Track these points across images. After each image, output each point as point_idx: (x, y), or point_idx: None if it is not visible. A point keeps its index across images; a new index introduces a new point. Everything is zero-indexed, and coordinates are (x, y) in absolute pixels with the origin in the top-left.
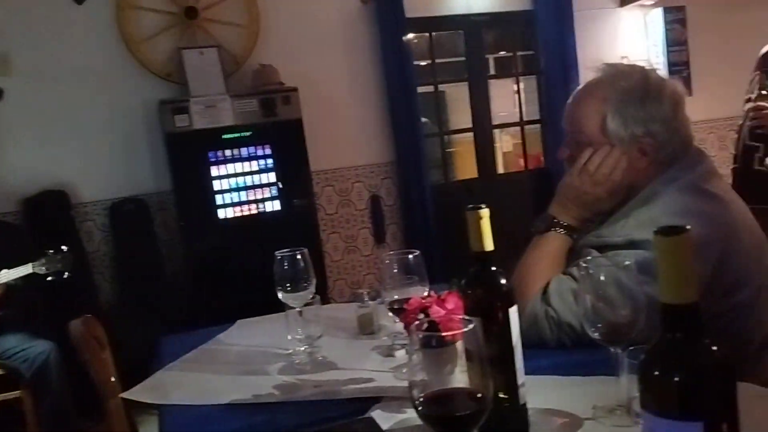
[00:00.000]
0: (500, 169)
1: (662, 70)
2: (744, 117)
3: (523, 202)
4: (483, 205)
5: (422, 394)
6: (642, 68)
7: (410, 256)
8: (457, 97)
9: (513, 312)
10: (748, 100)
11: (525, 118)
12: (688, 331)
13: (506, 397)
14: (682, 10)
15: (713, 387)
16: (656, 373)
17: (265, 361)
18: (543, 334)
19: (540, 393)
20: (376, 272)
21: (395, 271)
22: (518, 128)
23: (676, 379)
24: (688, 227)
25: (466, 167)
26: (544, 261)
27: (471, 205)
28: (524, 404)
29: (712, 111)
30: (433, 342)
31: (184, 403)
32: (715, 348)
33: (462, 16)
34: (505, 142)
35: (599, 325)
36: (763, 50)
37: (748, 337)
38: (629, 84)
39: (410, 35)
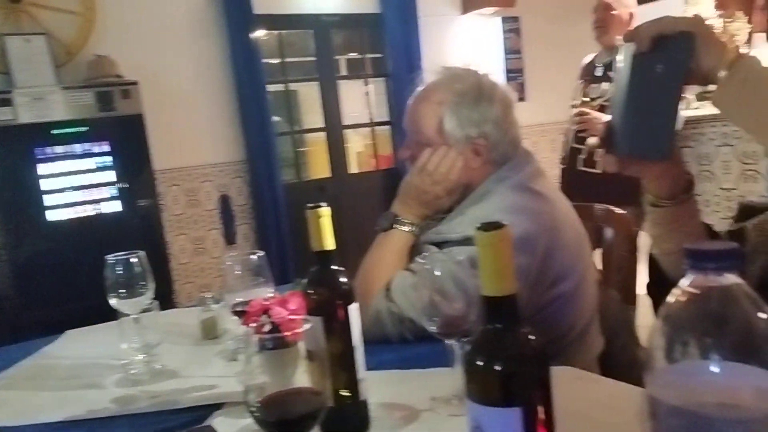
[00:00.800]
0: (353, 169)
1: (501, 76)
2: (570, 122)
3: (374, 200)
4: (323, 204)
5: (260, 398)
6: (476, 72)
7: (254, 257)
8: (309, 96)
9: (354, 309)
10: (573, 106)
11: (375, 120)
12: (506, 321)
13: (348, 393)
14: (517, 20)
15: (529, 374)
16: (477, 363)
17: (98, 373)
18: (386, 330)
19: (382, 388)
20: None
21: (238, 272)
22: (369, 129)
23: (495, 367)
24: (506, 223)
25: (319, 166)
26: (388, 258)
27: (311, 204)
28: (365, 400)
29: (545, 115)
30: (272, 343)
31: (10, 425)
32: (532, 337)
33: (312, 15)
34: (357, 142)
35: (436, 319)
36: (585, 60)
37: (570, 324)
38: (464, 87)
39: (260, 32)
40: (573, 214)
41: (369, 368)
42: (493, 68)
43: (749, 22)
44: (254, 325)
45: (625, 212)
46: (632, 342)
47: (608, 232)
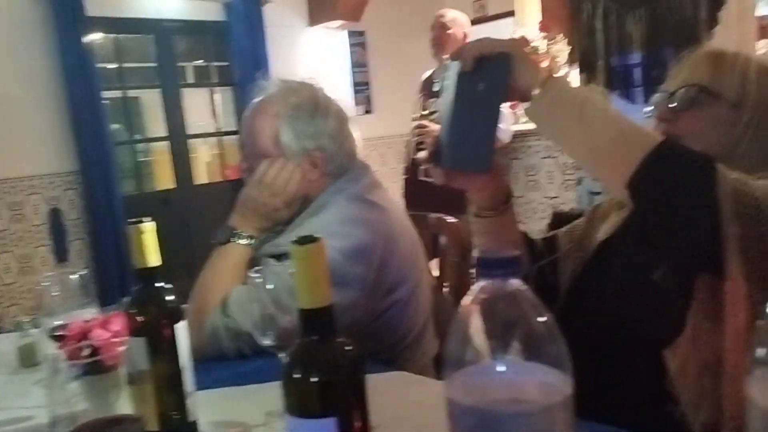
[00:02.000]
0: (200, 179)
1: (348, 89)
2: (411, 134)
3: (222, 212)
4: (146, 219)
5: (70, 429)
6: (311, 86)
7: (75, 276)
8: (152, 104)
9: (181, 328)
10: (414, 119)
11: (222, 129)
12: (322, 333)
13: (177, 416)
14: (363, 34)
15: (344, 383)
16: (293, 376)
17: None
18: (223, 346)
19: (215, 406)
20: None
21: (56, 293)
22: (216, 139)
23: (310, 379)
24: (320, 237)
25: (164, 177)
26: (225, 272)
27: (132, 219)
28: (194, 421)
29: (391, 128)
30: (88, 368)
31: None
32: (348, 347)
33: (152, 20)
34: (204, 152)
35: (269, 332)
36: (424, 75)
37: (406, 329)
38: (299, 100)
39: (94, 35)
40: (408, 224)
41: (203, 387)
42: (341, 81)
43: (569, 44)
44: (68, 349)
45: (457, 220)
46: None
47: (443, 240)
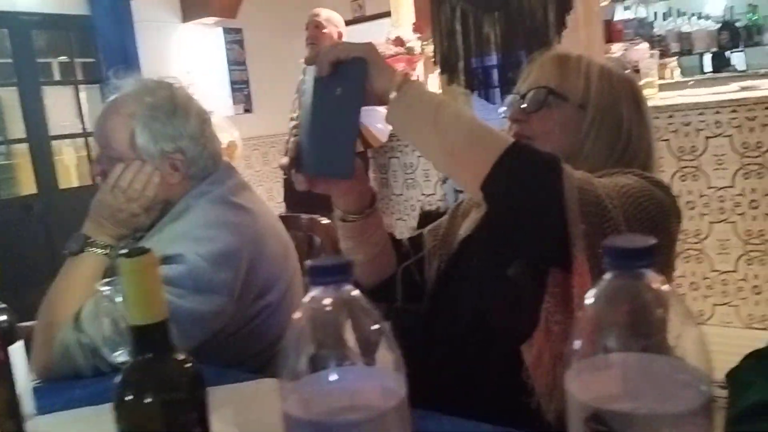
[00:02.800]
0: (66, 184)
1: (226, 88)
2: (289, 134)
3: None
4: None
5: None
6: (170, 85)
7: None
8: (11, 103)
9: (16, 350)
10: (292, 119)
11: (89, 129)
12: (157, 350)
13: None
14: (240, 31)
15: (183, 403)
16: (126, 399)
17: None
18: (77, 364)
19: (60, 429)
20: None
21: None
22: (84, 139)
23: (145, 401)
24: (150, 248)
25: (26, 182)
26: (78, 285)
27: None
28: None
29: (273, 127)
30: None
31: None
32: (188, 364)
33: (5, 13)
34: (70, 155)
35: (122, 349)
36: (301, 75)
37: (278, 333)
38: (156, 100)
39: None
40: (278, 225)
41: (55, 409)
42: (217, 79)
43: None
44: None
45: (330, 221)
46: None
47: (317, 240)
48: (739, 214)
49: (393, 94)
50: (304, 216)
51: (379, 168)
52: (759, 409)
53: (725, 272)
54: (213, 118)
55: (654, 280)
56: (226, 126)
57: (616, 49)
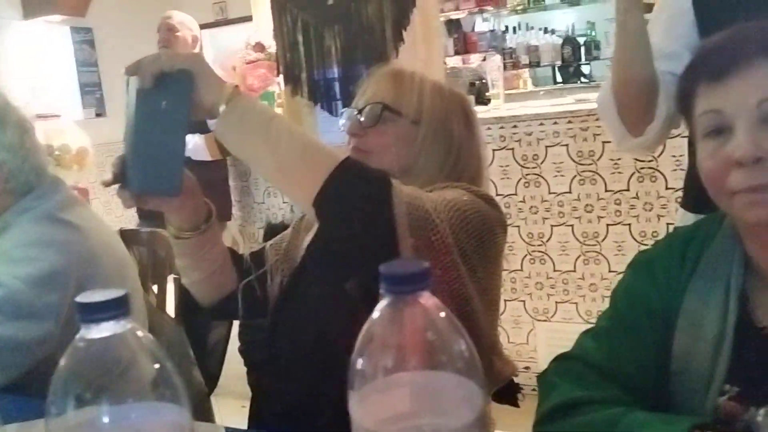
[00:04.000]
0: None
1: (75, 90)
2: None
3: None
4: None
5: None
6: None
7: None
8: None
9: None
10: None
11: None
12: None
13: None
14: (90, 31)
15: None
16: None
17: None
18: None
19: None
20: None
21: None
22: None
23: None
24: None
25: None
26: None
27: None
28: None
29: None
30: None
31: None
32: None
33: None
34: None
35: None
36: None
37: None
38: None
39: None
40: (114, 242)
41: None
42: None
43: None
44: None
45: None
46: (186, 362)
47: (161, 255)
48: (576, 218)
49: (222, 108)
50: (144, 230)
51: (240, 175)
52: (559, 409)
53: (566, 272)
54: (60, 123)
55: (429, 301)
56: (75, 131)
57: (475, 59)
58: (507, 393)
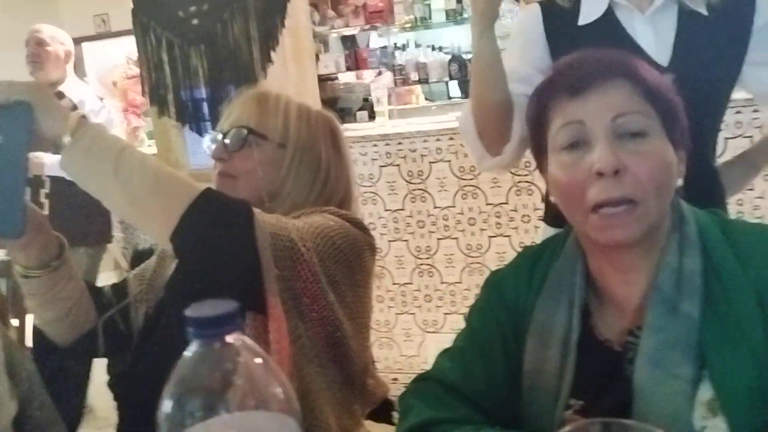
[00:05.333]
0: None
1: None
2: None
3: None
4: None
5: None
6: None
7: None
8: None
9: None
10: None
11: None
12: None
13: None
14: None
15: None
16: None
17: None
18: None
19: None
20: None
21: None
22: None
23: None
24: None
25: None
26: None
27: None
28: None
29: None
30: None
31: None
32: None
33: None
34: None
35: None
36: None
37: None
38: None
39: None
40: None
41: None
42: None
43: None
44: None
45: None
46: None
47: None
48: (461, 231)
49: (67, 139)
50: (2, 259)
51: None
52: (415, 431)
53: (453, 283)
54: None
55: (239, 343)
56: None
57: (368, 75)
58: (383, 412)
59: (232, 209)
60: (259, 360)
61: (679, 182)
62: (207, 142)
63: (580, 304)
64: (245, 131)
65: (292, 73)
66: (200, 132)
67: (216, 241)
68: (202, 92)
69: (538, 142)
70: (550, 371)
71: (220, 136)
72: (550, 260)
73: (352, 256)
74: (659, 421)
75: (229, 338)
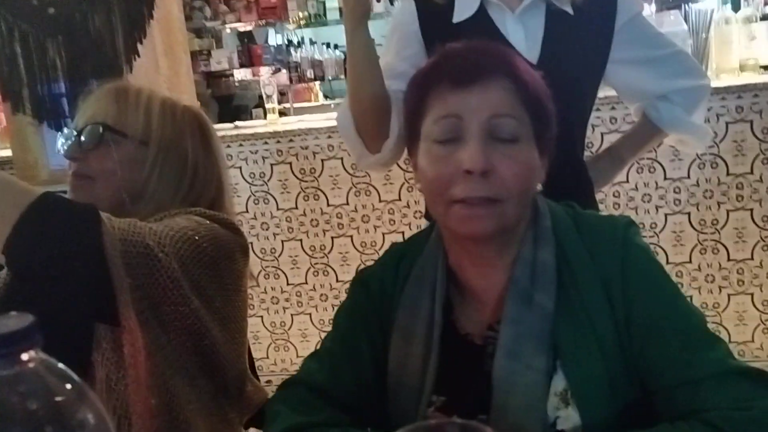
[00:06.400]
0: None
1: None
2: None
3: None
4: None
5: None
6: None
7: None
8: None
9: None
10: None
11: None
12: None
13: None
14: None
15: None
16: None
17: None
18: None
19: None
20: None
21: None
22: None
23: None
24: None
25: None
26: None
27: None
28: None
29: None
30: None
31: None
32: None
33: None
34: None
35: None
36: None
37: None
38: None
39: None
40: None
41: None
42: None
43: None
44: None
45: None
46: None
47: None
48: (355, 229)
49: None
50: None
51: None
52: None
53: (348, 282)
54: None
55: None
56: None
57: (264, 72)
58: (262, 418)
59: (74, 215)
60: (67, 383)
61: (539, 187)
62: (60, 141)
63: (442, 299)
64: (101, 128)
65: (164, 68)
66: (60, 129)
67: (55, 252)
68: (61, 87)
69: (412, 128)
70: (413, 368)
71: (74, 134)
72: (415, 256)
73: (219, 259)
74: (516, 412)
75: (26, 357)
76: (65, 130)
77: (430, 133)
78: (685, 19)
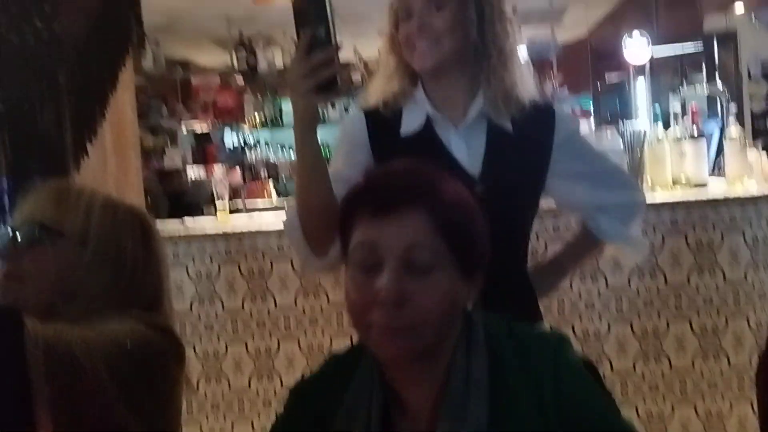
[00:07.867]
0: None
1: None
2: None
3: None
4: None
5: None
6: None
7: None
8: None
9: None
10: None
11: None
12: None
13: None
14: None
15: None
16: None
17: None
18: None
19: None
20: None
21: None
22: None
23: None
24: None
25: None
26: None
27: None
28: None
29: None
30: None
31: None
32: None
33: None
34: None
35: None
36: None
37: None
38: None
39: None
40: None
41: None
42: None
43: None
44: None
45: None
46: None
47: None
48: (303, 331)
49: None
50: None
51: None
52: None
53: None
54: None
55: None
56: None
57: (217, 170)
58: None
59: None
60: None
61: (469, 306)
62: None
63: (379, 412)
64: (37, 228)
65: (112, 166)
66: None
67: None
68: (3, 183)
69: (344, 245)
70: None
71: (8, 233)
72: (354, 368)
73: (152, 365)
74: None
75: None
76: (0, 228)
77: (351, 256)
78: (621, 138)
